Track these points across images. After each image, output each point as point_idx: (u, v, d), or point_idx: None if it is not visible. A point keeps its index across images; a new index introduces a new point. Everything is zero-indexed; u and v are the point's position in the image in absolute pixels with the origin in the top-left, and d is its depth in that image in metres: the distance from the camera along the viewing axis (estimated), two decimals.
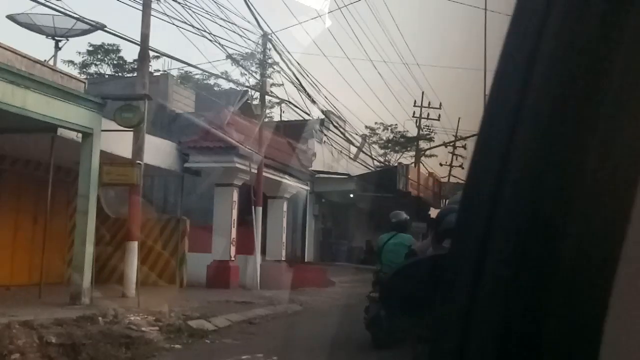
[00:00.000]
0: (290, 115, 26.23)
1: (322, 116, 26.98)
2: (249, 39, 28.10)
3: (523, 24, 0.82)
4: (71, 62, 34.34)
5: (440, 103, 38.97)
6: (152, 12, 15.09)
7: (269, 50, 20.19)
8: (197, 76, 35.17)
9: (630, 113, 0.67)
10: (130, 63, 33.66)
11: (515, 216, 0.74)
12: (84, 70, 35.11)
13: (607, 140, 0.68)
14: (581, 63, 0.72)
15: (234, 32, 26.16)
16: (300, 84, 21.68)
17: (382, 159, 40.43)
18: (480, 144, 0.89)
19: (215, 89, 34.14)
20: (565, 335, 0.66)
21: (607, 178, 0.67)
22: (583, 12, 0.73)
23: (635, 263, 0.62)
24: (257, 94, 22.19)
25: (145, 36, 14.94)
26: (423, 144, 41.01)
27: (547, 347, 0.67)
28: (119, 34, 17.35)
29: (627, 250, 0.62)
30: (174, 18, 17.19)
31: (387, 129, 42.77)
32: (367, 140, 37.85)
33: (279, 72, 21.41)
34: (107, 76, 33.86)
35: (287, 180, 21.75)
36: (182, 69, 32.91)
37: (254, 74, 21.77)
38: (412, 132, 40.40)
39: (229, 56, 20.94)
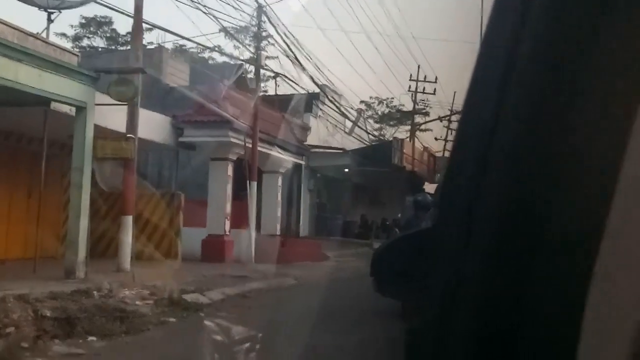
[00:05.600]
0: (285, 89, 26.16)
1: (317, 90, 26.87)
2: (243, 12, 27.90)
3: (508, 3, 0.81)
4: (64, 35, 34.05)
5: (436, 77, 38.89)
6: None
7: (264, 22, 20.05)
8: (191, 49, 34.94)
9: (616, 100, 0.66)
10: (124, 36, 33.39)
11: (498, 193, 0.74)
12: (77, 43, 34.83)
13: (592, 120, 0.67)
14: (568, 43, 0.71)
15: (228, 4, 25.91)
16: (296, 57, 21.59)
17: (377, 134, 40.42)
18: (464, 120, 0.88)
19: (210, 62, 33.94)
20: (548, 308, 0.66)
21: (591, 159, 0.67)
22: None
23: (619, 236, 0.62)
24: (252, 68, 22.08)
25: (138, 8, 14.80)
26: (418, 118, 40.99)
27: (530, 320, 0.67)
28: (111, 6, 17.14)
29: (610, 222, 0.62)
30: None
31: (383, 103, 42.73)
32: (363, 115, 37.78)
33: (273, 44, 21.30)
34: (100, 49, 33.60)
35: (282, 155, 21.73)
36: (177, 42, 32.60)
37: (248, 47, 21.66)
38: (408, 106, 40.36)
39: (224, 29, 20.82)
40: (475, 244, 0.75)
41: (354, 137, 32.60)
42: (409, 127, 40.07)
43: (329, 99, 28.15)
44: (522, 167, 0.72)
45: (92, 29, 35.25)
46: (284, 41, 21.49)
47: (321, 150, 27.50)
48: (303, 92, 25.12)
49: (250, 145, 18.82)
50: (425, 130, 42.65)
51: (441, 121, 41.34)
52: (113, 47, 34.08)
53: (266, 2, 22.56)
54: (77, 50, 25.37)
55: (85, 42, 35.45)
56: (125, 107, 14.13)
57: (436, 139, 42.51)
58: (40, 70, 11.45)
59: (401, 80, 42.48)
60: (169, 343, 8.60)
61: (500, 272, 0.71)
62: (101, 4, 16.72)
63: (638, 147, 0.62)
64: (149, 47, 24.09)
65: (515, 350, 0.69)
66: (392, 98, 42.05)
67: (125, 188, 14.44)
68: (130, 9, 14.96)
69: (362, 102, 40.13)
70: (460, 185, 0.82)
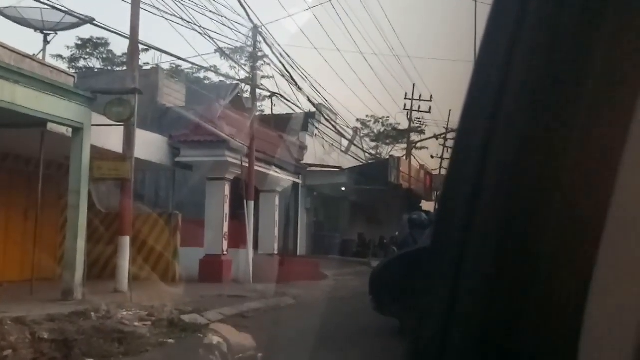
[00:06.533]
0: (281, 108, 26.22)
1: (313, 109, 26.95)
2: (239, 32, 28.04)
3: (502, 20, 0.82)
4: (60, 56, 34.16)
5: (431, 95, 39.06)
6: (141, 5, 15.02)
7: (259, 43, 20.15)
8: (187, 70, 35.07)
9: (608, 111, 0.67)
10: (120, 57, 33.49)
11: (494, 211, 0.75)
12: (73, 64, 34.93)
13: (585, 136, 0.68)
14: (560, 58, 0.72)
15: (224, 25, 26.06)
16: (291, 77, 21.68)
17: (373, 152, 40.51)
18: (459, 140, 0.89)
19: (206, 82, 34.05)
20: (546, 323, 0.67)
21: (585, 175, 0.67)
22: (563, 2, 0.73)
23: (613, 250, 0.62)
24: (248, 87, 22.16)
25: (134, 29, 14.86)
26: (414, 137, 41.12)
27: (528, 336, 0.67)
28: (108, 28, 17.23)
29: (605, 239, 0.63)
30: (164, 11, 17.12)
31: (379, 122, 42.84)
32: (359, 133, 37.88)
33: (269, 64, 21.40)
34: (96, 70, 33.70)
35: (279, 174, 21.73)
36: (173, 63, 32.75)
37: (244, 67, 21.75)
38: (404, 124, 40.49)
39: (219, 49, 20.91)
40: (472, 261, 0.76)
41: (350, 155, 32.65)
42: (405, 145, 40.16)
43: (325, 118, 28.23)
44: (517, 184, 0.73)
45: (88, 50, 35.38)
46: (279, 61, 21.63)
47: (318, 169, 27.51)
48: (299, 111, 25.19)
49: (247, 165, 18.82)
50: (422, 148, 42.80)
51: (437, 139, 41.49)
52: (109, 68, 34.18)
53: (261, 23, 22.70)
54: (74, 71, 25.46)
55: (81, 63, 35.58)
56: (122, 127, 14.15)
57: (432, 156, 42.62)
58: (37, 91, 11.47)
59: (396, 98, 42.58)
60: None
61: (497, 289, 0.72)
62: (97, 25, 16.81)
63: (635, 154, 0.63)
64: (145, 67, 24.17)
65: None
66: (388, 116, 42.22)
67: (122, 209, 14.41)
68: (126, 30, 15.03)
69: (358, 120, 40.28)
70: (457, 202, 0.83)
